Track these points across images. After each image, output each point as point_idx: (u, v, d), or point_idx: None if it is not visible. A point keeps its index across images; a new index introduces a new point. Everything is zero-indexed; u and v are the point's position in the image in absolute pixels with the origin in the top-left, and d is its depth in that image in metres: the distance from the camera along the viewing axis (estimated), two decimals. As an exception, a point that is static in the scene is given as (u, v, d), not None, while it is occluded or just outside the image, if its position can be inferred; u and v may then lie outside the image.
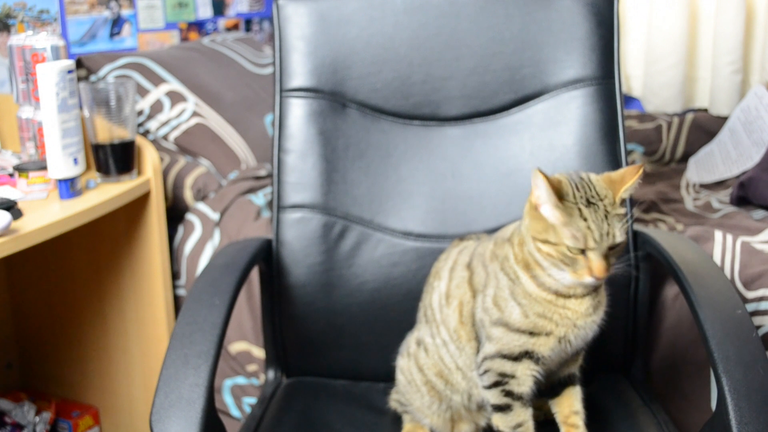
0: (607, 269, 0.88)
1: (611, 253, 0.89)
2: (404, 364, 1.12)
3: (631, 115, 2.31)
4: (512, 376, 0.96)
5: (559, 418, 1.02)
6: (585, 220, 0.88)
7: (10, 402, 1.69)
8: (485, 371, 0.98)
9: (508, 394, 0.97)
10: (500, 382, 0.97)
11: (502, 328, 0.96)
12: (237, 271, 1.10)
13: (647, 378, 1.32)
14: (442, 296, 1.06)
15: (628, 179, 0.91)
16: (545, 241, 0.90)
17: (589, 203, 0.89)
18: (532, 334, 0.95)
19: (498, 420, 0.98)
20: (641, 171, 0.91)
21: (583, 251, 0.88)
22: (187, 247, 1.67)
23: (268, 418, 1.17)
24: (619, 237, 0.88)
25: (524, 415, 0.97)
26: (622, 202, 0.91)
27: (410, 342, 1.12)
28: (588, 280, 0.89)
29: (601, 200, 0.89)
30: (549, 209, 0.89)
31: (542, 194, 0.89)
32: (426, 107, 1.31)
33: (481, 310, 0.99)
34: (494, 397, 0.98)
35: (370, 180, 1.30)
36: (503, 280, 0.96)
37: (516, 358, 0.96)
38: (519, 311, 0.95)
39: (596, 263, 0.88)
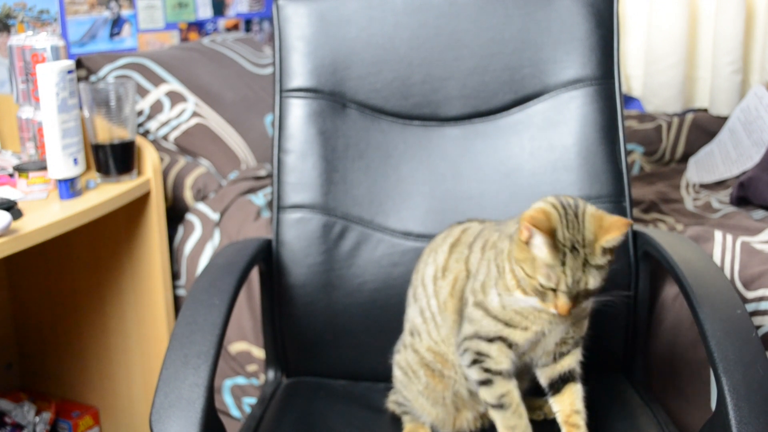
0: (571, 309, 0.92)
1: (581, 295, 0.92)
2: (400, 357, 1.13)
3: (631, 115, 2.31)
4: (488, 356, 0.99)
5: (560, 417, 1.03)
6: (563, 264, 0.90)
7: (10, 402, 1.69)
8: (464, 351, 1.02)
9: (487, 370, 1.00)
10: (478, 360, 1.00)
11: (482, 311, 0.99)
12: (237, 272, 1.10)
13: (647, 378, 1.32)
14: (439, 269, 1.08)
15: (612, 231, 0.90)
16: (522, 269, 0.93)
17: (573, 248, 0.90)
18: (507, 324, 0.98)
19: (484, 393, 1.01)
20: (628, 227, 0.91)
21: (554, 289, 0.92)
22: (187, 247, 1.67)
23: (268, 418, 1.17)
24: (592, 285, 0.91)
25: (507, 386, 1.00)
26: (605, 251, 0.91)
27: (404, 336, 1.14)
28: (553, 311, 0.93)
29: (584, 247, 0.90)
30: (540, 248, 0.91)
31: (536, 241, 0.91)
32: (426, 107, 1.31)
33: (469, 290, 1.02)
34: (476, 373, 1.01)
35: (370, 180, 1.30)
36: (493, 270, 0.99)
37: (491, 340, 0.99)
38: (498, 301, 0.98)
39: (562, 302, 0.91)
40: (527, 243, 0.92)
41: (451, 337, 1.05)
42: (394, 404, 1.16)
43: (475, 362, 1.00)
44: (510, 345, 0.98)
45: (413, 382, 1.10)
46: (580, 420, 1.01)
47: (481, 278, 1.01)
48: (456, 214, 1.27)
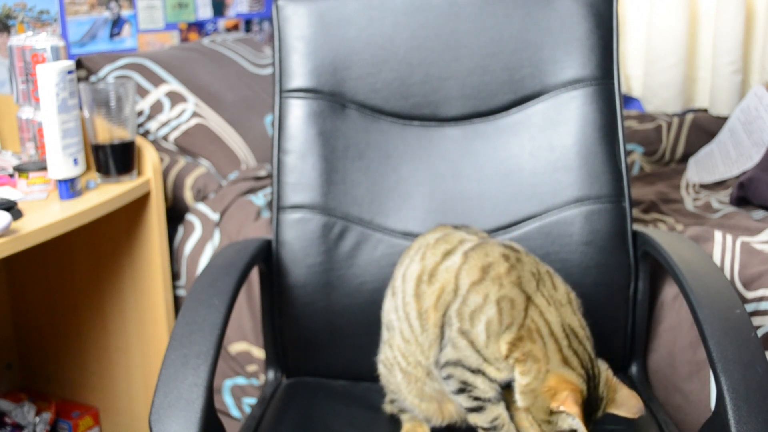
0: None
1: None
2: (381, 355, 1.13)
3: (631, 115, 2.31)
4: (474, 386, 0.99)
5: None
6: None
7: (10, 402, 1.69)
8: (448, 376, 1.00)
9: (477, 398, 0.99)
10: (464, 389, 0.99)
11: (467, 341, 0.98)
12: (237, 272, 1.10)
13: (647, 378, 1.32)
14: (426, 271, 1.04)
15: (623, 410, 0.96)
16: (532, 414, 0.95)
17: (594, 412, 0.95)
18: (486, 360, 0.97)
19: (475, 418, 1.00)
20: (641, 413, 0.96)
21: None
22: (187, 247, 1.67)
23: (268, 418, 1.17)
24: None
25: (497, 410, 0.99)
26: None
27: (382, 331, 1.13)
28: None
29: (599, 409, 0.96)
30: (570, 417, 0.93)
31: (565, 413, 0.92)
32: (425, 108, 1.31)
33: (455, 311, 0.99)
34: (465, 401, 1.00)
35: (370, 180, 1.30)
36: (491, 310, 0.97)
37: (474, 371, 0.98)
38: (484, 339, 0.97)
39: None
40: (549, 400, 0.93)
41: (425, 344, 1.04)
42: (390, 404, 1.16)
43: (462, 391, 1.00)
44: (491, 380, 0.98)
45: (394, 375, 1.10)
46: None
47: (471, 306, 0.98)
48: (456, 214, 1.27)
